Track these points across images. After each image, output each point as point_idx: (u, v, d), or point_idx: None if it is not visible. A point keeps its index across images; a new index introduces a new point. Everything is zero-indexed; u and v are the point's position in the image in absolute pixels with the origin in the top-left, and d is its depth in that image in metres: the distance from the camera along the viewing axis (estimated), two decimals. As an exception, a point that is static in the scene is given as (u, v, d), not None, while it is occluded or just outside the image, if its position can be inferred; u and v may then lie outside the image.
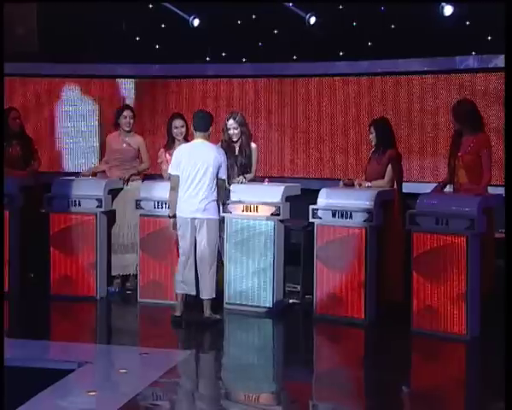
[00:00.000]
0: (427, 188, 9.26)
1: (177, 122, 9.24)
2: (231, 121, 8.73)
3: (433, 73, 10.64)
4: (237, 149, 8.78)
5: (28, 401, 5.89)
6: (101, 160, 10.40)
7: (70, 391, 6.24)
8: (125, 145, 9.55)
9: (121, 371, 6.72)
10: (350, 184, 8.84)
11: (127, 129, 9.54)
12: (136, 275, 9.32)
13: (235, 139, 8.72)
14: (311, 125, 11.21)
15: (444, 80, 10.58)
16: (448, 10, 10.61)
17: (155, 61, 11.85)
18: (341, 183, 8.99)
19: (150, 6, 11.94)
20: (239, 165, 8.75)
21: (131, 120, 9.56)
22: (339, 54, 11.40)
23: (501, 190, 7.64)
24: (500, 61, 10.04)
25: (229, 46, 11.82)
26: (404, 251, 8.71)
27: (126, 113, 9.57)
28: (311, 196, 8.72)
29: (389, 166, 8.78)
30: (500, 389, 6.24)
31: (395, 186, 8.81)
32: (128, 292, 9.38)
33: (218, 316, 8.15)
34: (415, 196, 8.74)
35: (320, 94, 11.26)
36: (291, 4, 11.30)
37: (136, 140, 9.64)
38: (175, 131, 9.19)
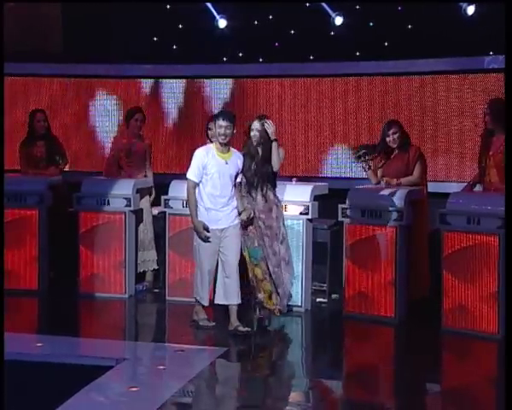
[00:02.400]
0: (447, 187, 9.39)
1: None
2: (257, 123, 8.04)
3: (457, 72, 10.63)
4: (260, 156, 8.05)
5: (72, 396, 5.91)
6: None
7: (112, 387, 6.29)
8: (133, 148, 9.67)
9: (159, 367, 6.80)
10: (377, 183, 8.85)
11: (136, 132, 9.65)
12: (154, 270, 9.52)
13: (255, 144, 8.08)
14: (336, 124, 11.19)
15: (469, 81, 10.59)
16: (470, 10, 10.65)
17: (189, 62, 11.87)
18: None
19: (168, 6, 11.93)
20: (266, 173, 8.03)
21: (141, 124, 9.67)
22: (361, 54, 11.39)
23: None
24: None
25: (249, 46, 11.84)
26: (428, 249, 8.81)
27: (138, 116, 9.68)
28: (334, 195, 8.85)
29: (418, 163, 8.81)
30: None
31: (423, 184, 8.85)
32: (155, 290, 9.43)
33: (248, 329, 7.73)
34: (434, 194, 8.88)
35: (346, 93, 11.26)
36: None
37: (140, 143, 9.74)
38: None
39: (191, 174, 7.66)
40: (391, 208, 8.25)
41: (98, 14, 11.84)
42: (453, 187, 9.67)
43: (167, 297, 9.04)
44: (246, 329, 7.65)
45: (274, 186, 8.05)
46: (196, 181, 7.64)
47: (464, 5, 10.58)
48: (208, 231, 7.65)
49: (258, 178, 7.95)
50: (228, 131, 7.52)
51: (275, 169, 7.97)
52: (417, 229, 8.54)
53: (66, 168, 10.26)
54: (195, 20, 11.71)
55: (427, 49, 10.66)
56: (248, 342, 7.53)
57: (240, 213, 7.77)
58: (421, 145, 9.65)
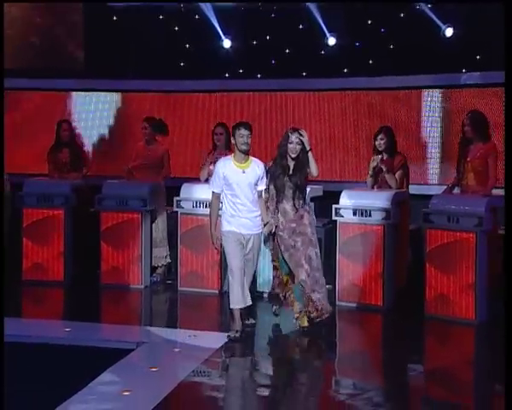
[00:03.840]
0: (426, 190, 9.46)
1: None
2: (296, 135, 7.42)
3: (436, 87, 10.70)
4: (291, 167, 7.48)
5: (98, 376, 5.96)
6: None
7: (135, 367, 6.34)
8: (148, 153, 9.73)
9: (175, 350, 6.83)
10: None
11: (146, 138, 9.74)
12: (165, 265, 9.54)
13: (293, 156, 7.44)
14: (329, 132, 11.20)
15: (446, 95, 10.65)
16: (449, 32, 10.70)
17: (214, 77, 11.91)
18: None
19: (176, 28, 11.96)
20: (295, 185, 7.48)
21: (147, 131, 9.72)
22: (349, 70, 11.45)
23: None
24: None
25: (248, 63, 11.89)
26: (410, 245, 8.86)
27: (143, 124, 9.77)
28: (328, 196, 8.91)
29: (400, 169, 8.81)
30: (505, 366, 6.44)
31: (403, 188, 8.87)
32: (168, 282, 9.46)
33: (253, 320, 7.61)
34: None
35: (335, 105, 11.30)
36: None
37: (159, 149, 9.78)
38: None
39: (212, 185, 7.30)
40: (379, 208, 8.27)
41: (116, 34, 11.91)
42: (433, 189, 9.73)
43: (179, 288, 9.04)
44: (251, 321, 7.53)
45: (304, 196, 7.54)
46: (217, 191, 7.25)
47: (444, 27, 10.64)
48: (217, 248, 7.58)
49: (289, 188, 7.43)
50: (249, 140, 7.15)
51: (315, 175, 7.50)
52: (400, 227, 8.56)
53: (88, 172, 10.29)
54: (203, 40, 11.79)
55: (409, 66, 10.71)
56: (252, 330, 7.54)
57: (265, 225, 7.36)
58: (405, 151, 9.69)
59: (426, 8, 10.62)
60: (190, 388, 6.02)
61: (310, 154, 7.43)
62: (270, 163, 7.51)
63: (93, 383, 5.83)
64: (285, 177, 7.41)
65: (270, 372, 6.74)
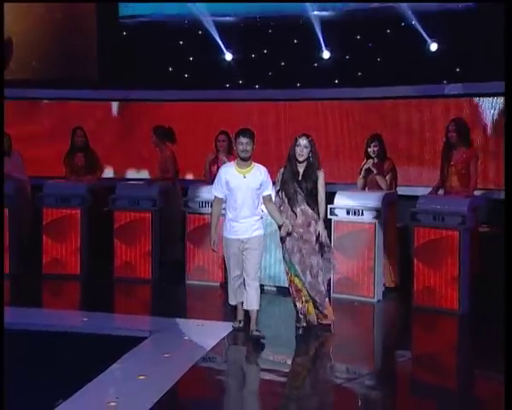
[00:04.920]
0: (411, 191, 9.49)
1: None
2: (304, 139, 6.98)
3: (422, 97, 10.75)
4: (301, 172, 7.02)
5: (116, 361, 5.98)
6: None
7: (149, 354, 6.37)
8: (158, 158, 9.94)
9: (185, 338, 6.82)
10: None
11: (154, 145, 9.93)
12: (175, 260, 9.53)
13: (301, 159, 6.99)
14: (321, 138, 11.21)
15: (431, 104, 10.71)
16: (434, 47, 10.75)
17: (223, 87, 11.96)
18: None
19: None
20: (305, 190, 6.99)
21: (152, 139, 9.92)
22: (339, 82, 11.51)
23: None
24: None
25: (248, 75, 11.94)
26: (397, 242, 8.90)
27: (151, 133, 9.94)
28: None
29: (390, 173, 8.86)
30: (485, 352, 6.57)
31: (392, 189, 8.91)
32: (177, 275, 9.46)
33: (262, 335, 6.86)
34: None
35: (327, 113, 11.36)
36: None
37: (165, 154, 9.86)
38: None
39: (214, 189, 7.00)
40: (371, 208, 8.30)
41: (126, 49, 11.96)
42: (418, 190, 9.74)
43: (186, 281, 9.06)
44: (260, 334, 6.83)
45: (314, 202, 6.97)
46: (219, 196, 6.97)
47: (429, 42, 10.68)
48: (214, 251, 7.09)
49: (299, 193, 6.96)
50: (248, 147, 6.72)
51: (322, 216, 7.00)
52: (389, 225, 8.59)
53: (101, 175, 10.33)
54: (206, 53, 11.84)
55: (396, 78, 10.77)
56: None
57: (279, 227, 6.97)
58: (392, 156, 9.71)
59: (415, 22, 10.68)
60: (201, 372, 6.07)
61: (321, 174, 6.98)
62: (282, 169, 7.08)
63: (111, 368, 5.86)
64: (294, 182, 6.97)
65: (271, 358, 6.75)
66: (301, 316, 7.11)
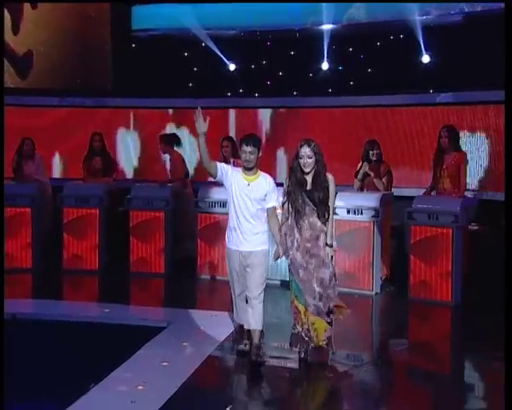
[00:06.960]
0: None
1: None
2: (306, 148, 5.93)
3: (414, 105, 10.86)
4: (309, 181, 5.97)
5: (138, 350, 6.05)
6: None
7: (168, 342, 6.40)
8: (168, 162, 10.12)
9: (200, 328, 6.87)
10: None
11: (161, 151, 10.08)
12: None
13: (307, 170, 5.95)
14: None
15: (424, 111, 10.81)
16: (426, 59, 10.84)
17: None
18: None
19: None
20: (317, 200, 5.91)
21: (159, 146, 10.02)
22: (333, 91, 11.60)
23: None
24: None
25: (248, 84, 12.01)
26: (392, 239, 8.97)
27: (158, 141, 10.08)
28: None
29: (386, 176, 8.93)
30: (476, 340, 6.63)
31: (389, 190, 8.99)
32: (188, 270, 9.50)
33: (264, 360, 5.97)
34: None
35: (322, 120, 11.45)
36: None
37: (173, 157, 9.96)
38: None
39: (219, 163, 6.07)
40: (370, 208, 8.36)
41: (136, 60, 12.04)
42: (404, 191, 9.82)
43: (197, 275, 9.12)
44: (261, 359, 5.91)
45: (323, 214, 5.95)
46: (217, 165, 5.97)
47: (422, 54, 10.79)
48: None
49: (307, 204, 5.92)
50: (252, 156, 5.86)
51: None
52: (384, 223, 8.65)
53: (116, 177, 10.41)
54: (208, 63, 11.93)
55: (390, 87, 10.88)
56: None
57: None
58: (387, 159, 9.79)
59: (415, 32, 10.77)
60: (218, 359, 6.15)
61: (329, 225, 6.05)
62: (287, 180, 6.04)
63: (134, 356, 5.93)
64: (302, 192, 5.93)
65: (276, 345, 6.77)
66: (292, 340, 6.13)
